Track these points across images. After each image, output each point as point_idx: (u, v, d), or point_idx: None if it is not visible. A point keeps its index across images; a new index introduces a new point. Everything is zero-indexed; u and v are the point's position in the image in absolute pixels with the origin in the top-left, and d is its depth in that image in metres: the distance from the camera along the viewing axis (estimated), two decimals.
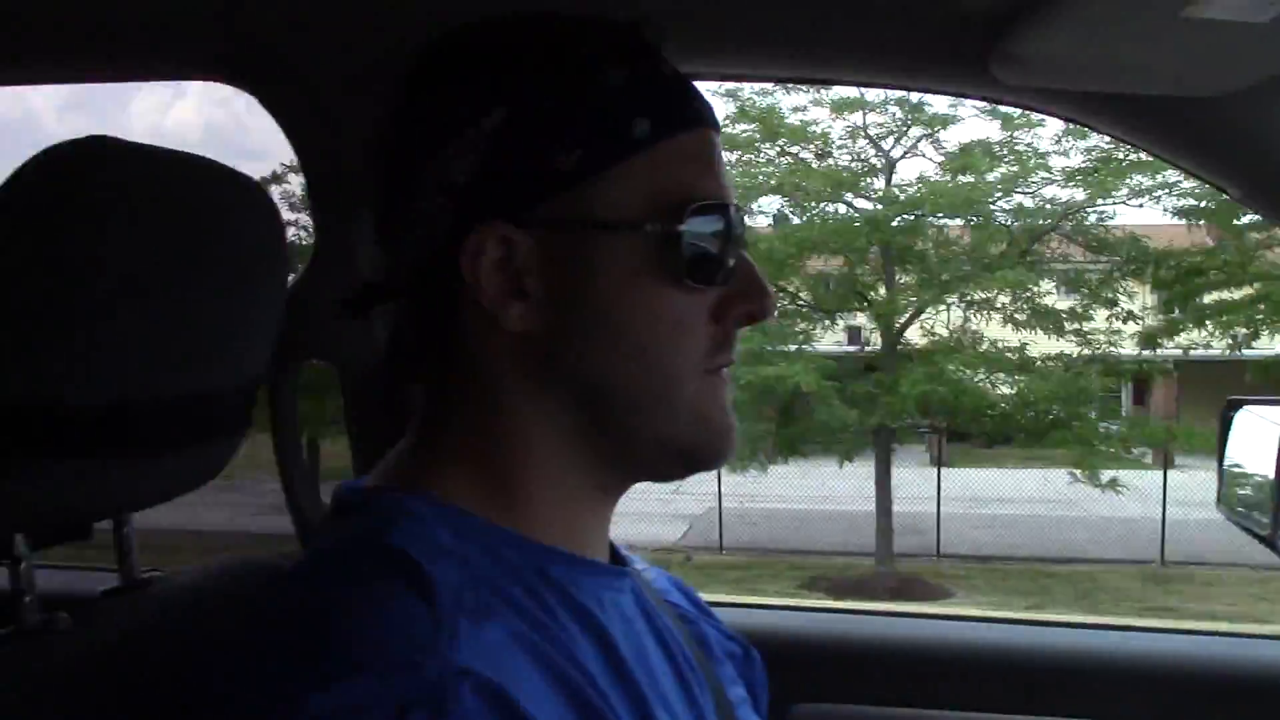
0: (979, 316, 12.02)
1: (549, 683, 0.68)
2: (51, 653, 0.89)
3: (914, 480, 13.56)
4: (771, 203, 12.96)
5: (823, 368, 11.79)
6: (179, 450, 1.00)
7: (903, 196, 12.21)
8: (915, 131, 12.81)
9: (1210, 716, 1.55)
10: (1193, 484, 11.53)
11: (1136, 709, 1.56)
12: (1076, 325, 11.92)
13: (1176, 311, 11.96)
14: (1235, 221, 11.13)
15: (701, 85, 0.87)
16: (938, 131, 12.68)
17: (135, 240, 0.87)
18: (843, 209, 12.81)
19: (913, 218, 12.12)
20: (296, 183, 12.30)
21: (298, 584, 0.75)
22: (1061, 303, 12.20)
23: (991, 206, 12.21)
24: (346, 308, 0.92)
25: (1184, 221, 11.85)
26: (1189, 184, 11.22)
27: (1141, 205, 12.36)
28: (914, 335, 12.46)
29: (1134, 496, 10.11)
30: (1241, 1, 0.92)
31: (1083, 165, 12.08)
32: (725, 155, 0.86)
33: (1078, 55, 1.10)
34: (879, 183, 13.02)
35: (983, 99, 1.34)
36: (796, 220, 12.88)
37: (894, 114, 12.57)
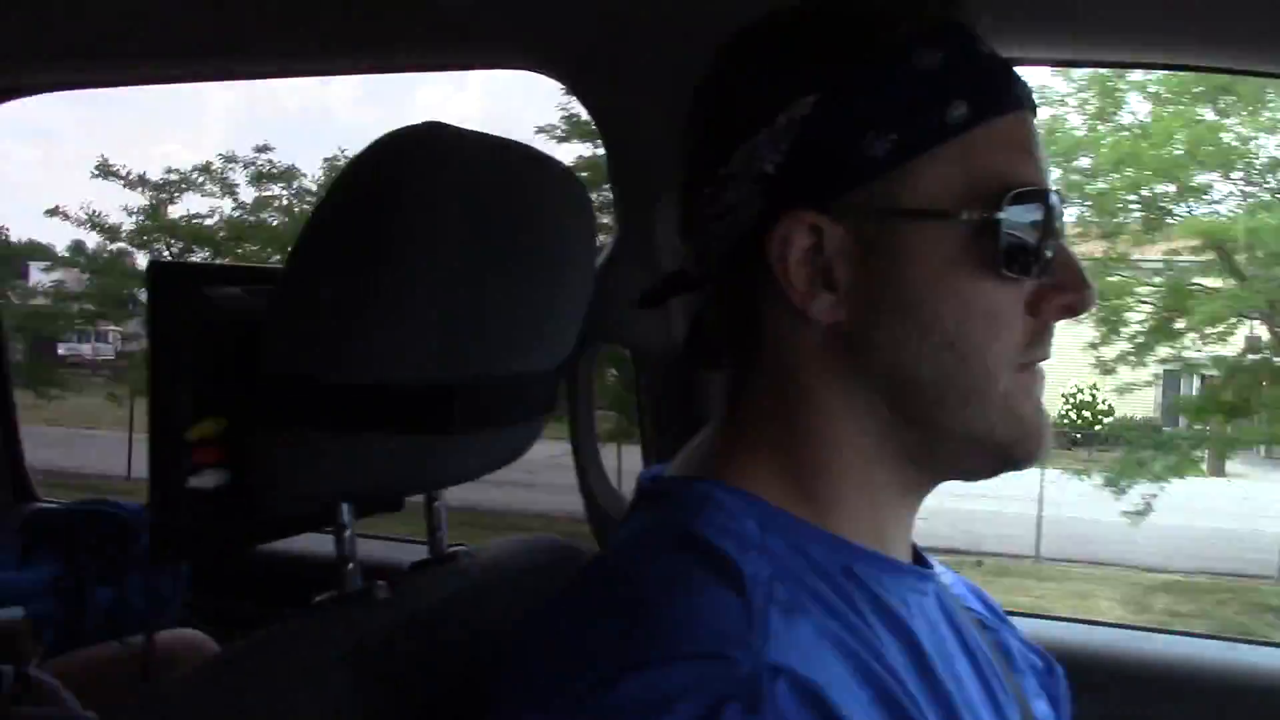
0: None
1: (860, 683, 0.66)
2: (370, 619, 0.91)
3: None
4: None
5: None
6: (491, 430, 1.02)
7: None
8: None
9: None
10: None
11: None
12: None
13: None
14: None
15: None
16: None
17: (464, 224, 0.89)
18: None
19: None
20: None
21: (609, 570, 0.76)
22: None
23: None
24: (646, 299, 0.93)
25: None
26: None
27: None
28: None
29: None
30: None
31: None
32: None
33: None
34: None
35: None
36: None
37: None
